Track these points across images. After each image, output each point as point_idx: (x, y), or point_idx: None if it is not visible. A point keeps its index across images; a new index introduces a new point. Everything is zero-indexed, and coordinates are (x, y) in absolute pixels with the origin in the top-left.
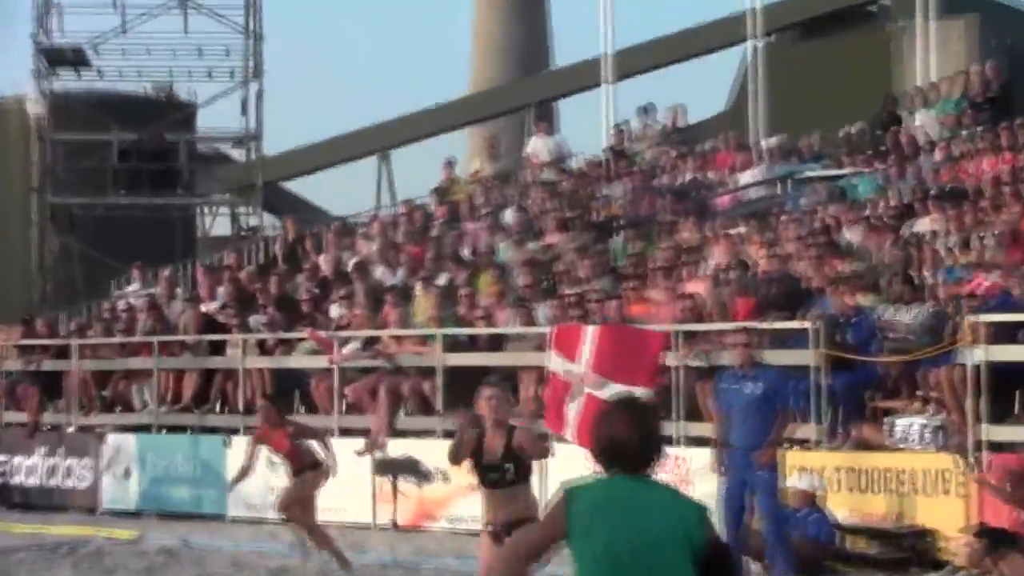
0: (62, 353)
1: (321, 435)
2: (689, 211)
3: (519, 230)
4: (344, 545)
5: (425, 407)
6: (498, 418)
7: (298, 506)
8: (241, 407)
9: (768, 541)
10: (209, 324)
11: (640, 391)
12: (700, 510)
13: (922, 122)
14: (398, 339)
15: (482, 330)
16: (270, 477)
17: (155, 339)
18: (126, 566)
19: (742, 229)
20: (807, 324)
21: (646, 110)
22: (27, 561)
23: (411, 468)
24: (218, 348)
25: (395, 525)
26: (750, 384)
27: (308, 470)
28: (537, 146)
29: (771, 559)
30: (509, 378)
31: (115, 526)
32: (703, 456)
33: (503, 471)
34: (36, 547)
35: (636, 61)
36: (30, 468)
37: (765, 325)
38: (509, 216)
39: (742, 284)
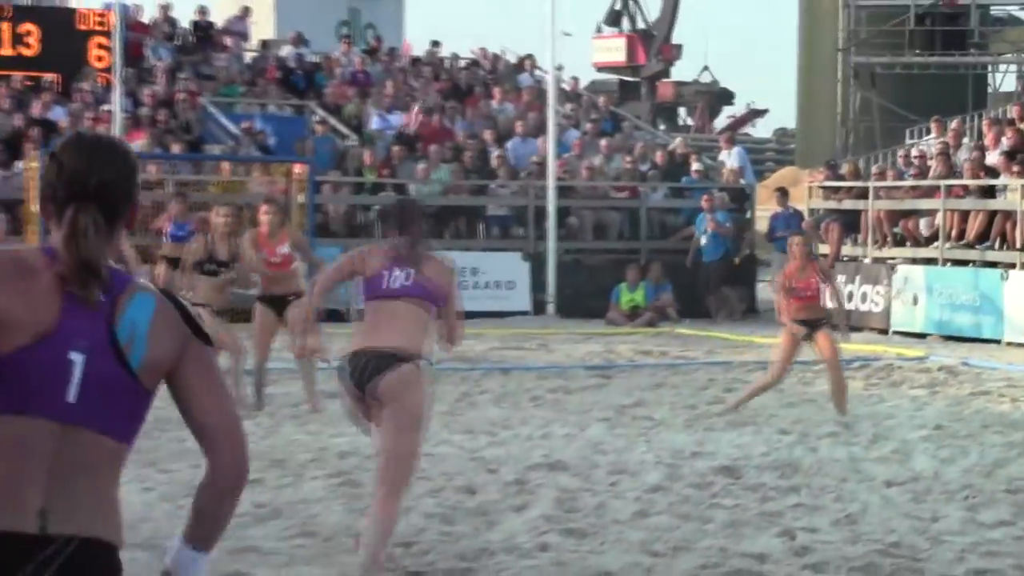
0: (862, 194)
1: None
2: None
3: None
4: None
5: None
6: None
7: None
8: (1019, 244)
9: None
10: (991, 169)
11: None
12: None
13: None
14: None
15: None
16: None
17: (943, 183)
18: (912, 380)
19: None
20: None
21: None
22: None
23: None
24: (994, 191)
25: None
26: None
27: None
28: None
29: None
30: None
31: (903, 345)
32: None
33: None
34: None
35: None
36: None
37: None
38: None
39: None
